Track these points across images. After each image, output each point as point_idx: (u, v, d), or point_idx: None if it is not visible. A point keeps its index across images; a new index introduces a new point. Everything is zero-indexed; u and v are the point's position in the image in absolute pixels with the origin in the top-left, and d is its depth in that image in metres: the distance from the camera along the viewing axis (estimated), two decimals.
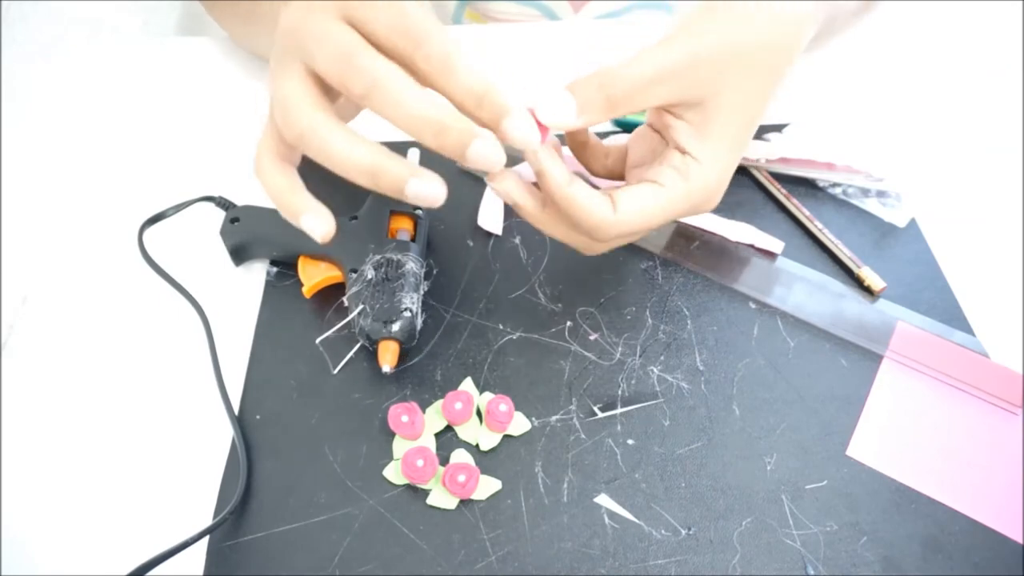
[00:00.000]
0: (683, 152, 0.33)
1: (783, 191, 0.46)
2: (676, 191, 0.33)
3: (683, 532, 0.33)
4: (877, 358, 0.39)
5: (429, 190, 0.30)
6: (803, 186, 0.47)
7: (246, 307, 0.41)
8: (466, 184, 0.46)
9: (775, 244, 0.43)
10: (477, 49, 0.57)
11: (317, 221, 0.31)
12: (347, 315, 0.37)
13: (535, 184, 0.34)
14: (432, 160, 0.47)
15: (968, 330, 0.40)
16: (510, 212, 0.45)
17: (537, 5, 0.64)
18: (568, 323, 0.40)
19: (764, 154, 0.46)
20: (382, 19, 0.29)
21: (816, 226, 0.44)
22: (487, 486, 0.34)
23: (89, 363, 0.38)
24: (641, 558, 0.32)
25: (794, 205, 0.45)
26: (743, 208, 0.45)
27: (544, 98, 0.31)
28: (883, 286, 0.41)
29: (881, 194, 0.46)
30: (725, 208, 0.45)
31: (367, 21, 0.29)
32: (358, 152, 0.30)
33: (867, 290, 0.42)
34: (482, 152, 0.29)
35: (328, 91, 0.31)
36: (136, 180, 0.47)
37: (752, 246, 0.43)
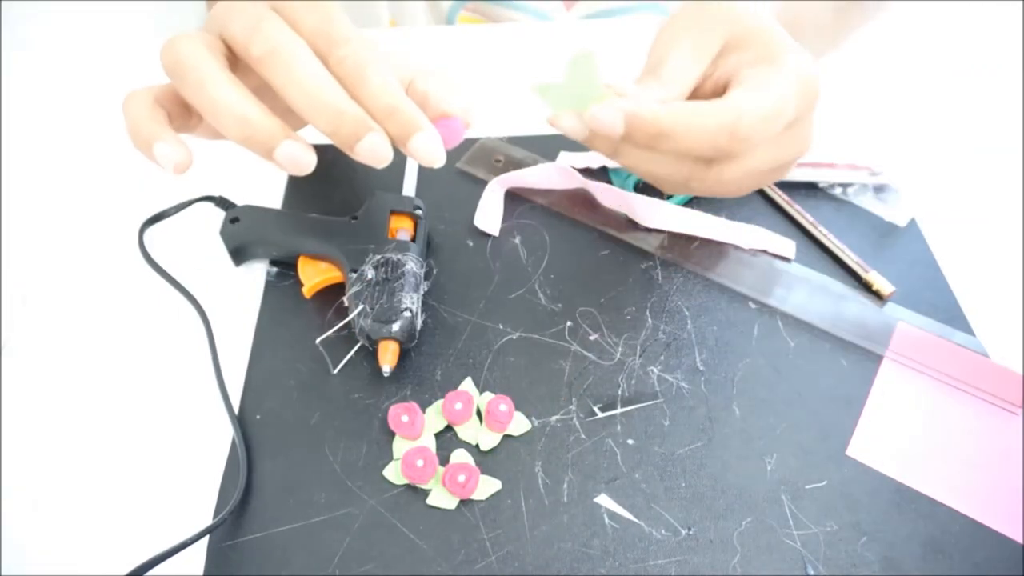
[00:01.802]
0: (763, 62, 0.32)
1: (785, 197, 0.45)
2: (781, 75, 0.31)
3: (683, 532, 0.33)
4: (877, 358, 0.39)
5: (300, 154, 0.29)
6: (802, 188, 0.47)
7: (246, 307, 0.41)
8: (466, 184, 0.46)
9: (788, 247, 0.43)
10: (473, 48, 0.57)
11: (171, 149, 0.29)
12: (347, 315, 0.37)
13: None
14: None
15: (968, 330, 0.40)
16: (508, 213, 0.45)
17: (529, 7, 0.65)
18: (568, 323, 0.40)
19: None
20: (307, 18, 0.29)
21: (820, 231, 0.44)
22: (487, 486, 0.34)
23: (89, 363, 0.38)
24: (641, 558, 0.32)
25: (797, 211, 0.45)
26: (746, 217, 0.45)
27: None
28: (892, 290, 0.41)
29: (881, 190, 0.46)
30: (729, 216, 0.45)
31: (294, 16, 0.30)
32: (233, 96, 0.28)
33: (875, 295, 0.41)
34: (376, 147, 0.29)
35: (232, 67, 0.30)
36: (136, 180, 0.47)
37: (765, 251, 0.43)
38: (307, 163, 0.29)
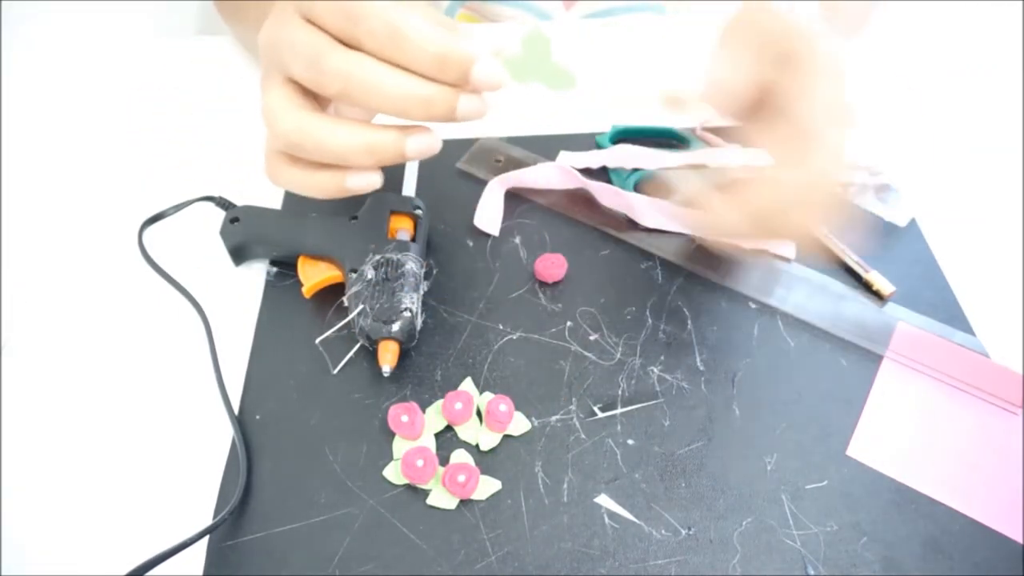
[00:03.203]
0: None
1: None
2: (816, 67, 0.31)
3: (683, 532, 0.33)
4: (877, 358, 0.39)
5: (427, 142, 0.31)
6: None
7: (246, 307, 0.41)
8: (466, 184, 0.46)
9: (788, 247, 0.43)
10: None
11: (360, 177, 0.31)
12: (347, 315, 0.37)
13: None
14: (426, 160, 0.47)
15: (968, 330, 0.40)
16: (508, 213, 0.45)
17: (529, 6, 0.64)
18: (568, 323, 0.40)
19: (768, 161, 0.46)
20: (325, 8, 0.29)
21: (821, 231, 0.44)
22: (487, 486, 0.34)
23: (89, 363, 0.38)
24: (641, 558, 0.32)
25: None
26: None
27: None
28: (892, 290, 0.41)
29: (881, 190, 0.46)
30: None
31: (316, 15, 0.29)
32: (349, 136, 0.30)
33: (876, 295, 0.41)
34: (470, 106, 0.30)
35: (315, 96, 0.32)
36: (136, 180, 0.47)
37: (765, 251, 0.43)
38: (435, 145, 0.31)
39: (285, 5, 0.31)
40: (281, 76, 0.31)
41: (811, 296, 0.41)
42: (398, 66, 0.29)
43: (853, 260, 0.42)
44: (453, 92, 0.29)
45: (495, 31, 0.59)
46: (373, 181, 0.32)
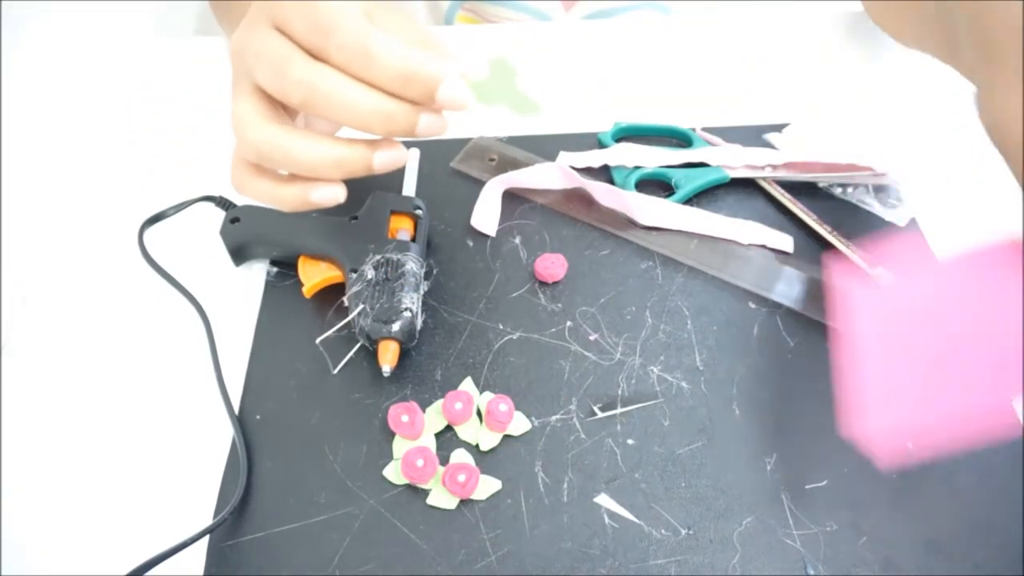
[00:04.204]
0: None
1: (788, 196, 0.45)
2: None
3: (683, 532, 0.33)
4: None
5: (394, 156, 0.31)
6: (803, 188, 0.47)
7: (246, 307, 0.41)
8: (466, 184, 0.46)
9: (785, 242, 0.43)
10: (472, 49, 0.57)
11: (325, 190, 0.32)
12: (347, 315, 0.37)
13: None
14: (427, 160, 0.47)
15: None
16: (507, 213, 0.45)
17: (528, 7, 0.65)
18: (568, 323, 0.40)
19: (769, 161, 0.46)
20: (295, 17, 0.29)
21: (826, 229, 0.44)
22: (487, 486, 0.34)
23: (89, 363, 0.38)
24: (641, 558, 0.32)
25: (800, 209, 0.45)
26: (747, 215, 0.45)
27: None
28: None
29: (881, 191, 0.46)
30: (729, 214, 0.45)
31: (287, 24, 0.30)
32: (318, 149, 0.31)
33: None
34: (430, 124, 0.30)
35: (284, 107, 0.32)
36: (136, 180, 0.47)
37: (764, 247, 0.43)
38: (402, 158, 0.32)
39: (258, 13, 0.31)
40: (250, 84, 0.32)
41: (813, 291, 0.41)
42: (364, 81, 0.30)
43: (858, 256, 0.42)
44: (415, 110, 0.30)
45: (494, 33, 0.59)
46: (337, 195, 0.32)
